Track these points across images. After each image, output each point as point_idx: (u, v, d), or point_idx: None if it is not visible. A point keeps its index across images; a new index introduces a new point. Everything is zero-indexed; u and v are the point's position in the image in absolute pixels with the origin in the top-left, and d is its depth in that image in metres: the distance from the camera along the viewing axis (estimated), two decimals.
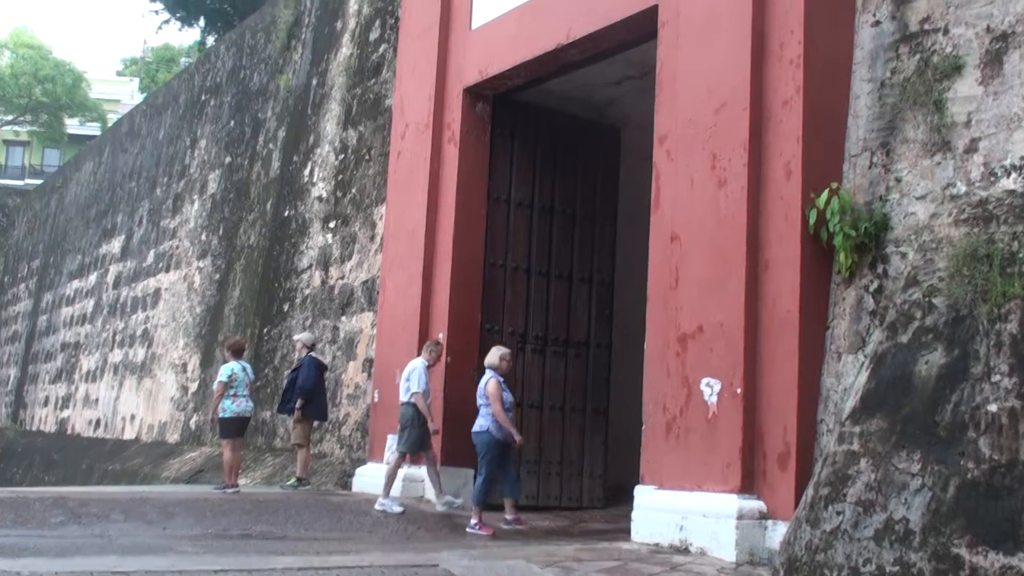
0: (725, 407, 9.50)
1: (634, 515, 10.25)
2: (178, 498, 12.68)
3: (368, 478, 14.38)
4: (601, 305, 15.07)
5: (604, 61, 13.28)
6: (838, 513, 7.79)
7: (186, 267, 24.51)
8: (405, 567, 7.92)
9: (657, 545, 9.69)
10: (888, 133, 9.29)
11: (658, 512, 9.85)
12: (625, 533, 12.28)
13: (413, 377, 12.78)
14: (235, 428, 14.25)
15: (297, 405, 14.64)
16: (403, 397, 12.88)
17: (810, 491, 8.16)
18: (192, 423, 22.11)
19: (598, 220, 15.19)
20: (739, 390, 9.40)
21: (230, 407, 14.11)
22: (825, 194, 9.19)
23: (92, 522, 10.63)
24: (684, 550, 9.40)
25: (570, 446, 14.61)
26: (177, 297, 24.55)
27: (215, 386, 14.30)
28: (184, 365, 23.22)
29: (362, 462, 15.29)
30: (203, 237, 24.00)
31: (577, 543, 10.18)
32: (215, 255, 23.16)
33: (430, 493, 13.46)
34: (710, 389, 9.65)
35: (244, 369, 14.46)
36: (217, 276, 22.79)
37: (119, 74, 67.73)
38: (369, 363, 16.18)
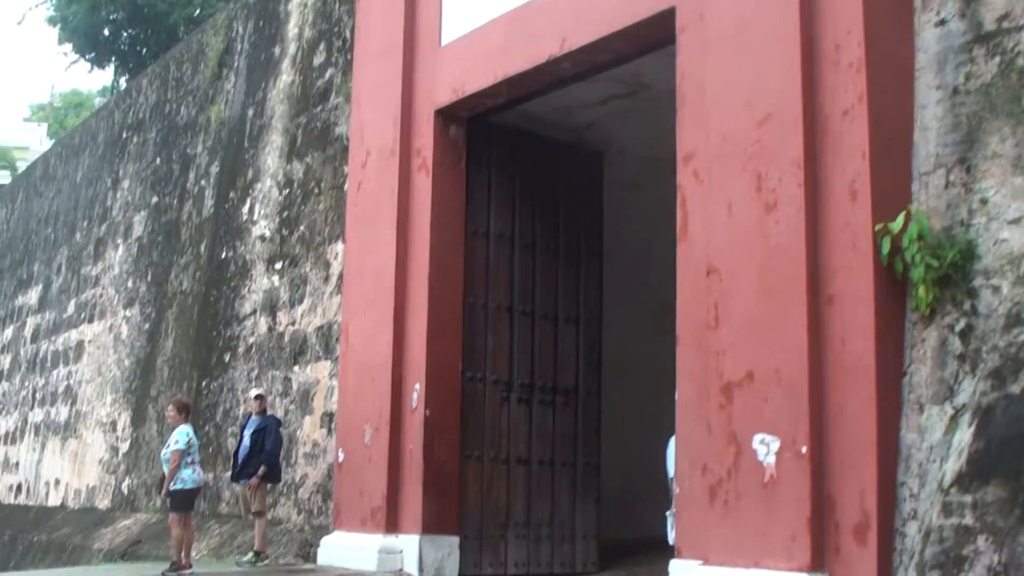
0: (786, 469, 8.09)
1: None
2: None
3: (335, 549, 12.78)
4: (589, 348, 13.67)
5: (589, 80, 11.95)
6: None
7: (111, 317, 22.60)
8: None
9: None
10: (967, 147, 7.99)
11: None
12: None
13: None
14: (191, 500, 12.57)
15: (260, 472, 12.98)
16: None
17: (912, 573, 6.80)
18: (124, 487, 20.20)
19: (583, 254, 13.81)
20: (804, 448, 8.00)
21: (191, 477, 12.40)
22: (901, 219, 7.88)
23: None
24: None
25: (560, 505, 13.17)
26: (102, 350, 22.62)
27: (168, 453, 12.44)
28: (113, 423, 21.30)
29: (325, 529, 13.67)
30: (129, 284, 22.14)
31: None
32: (144, 303, 21.33)
33: (410, 566, 11.92)
34: (766, 448, 8.25)
35: (194, 432, 12.84)
36: (147, 326, 20.95)
37: (26, 120, 65.45)
38: (329, 417, 14.58)
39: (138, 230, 22.35)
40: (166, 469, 12.40)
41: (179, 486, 12.28)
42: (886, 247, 7.92)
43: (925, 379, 7.90)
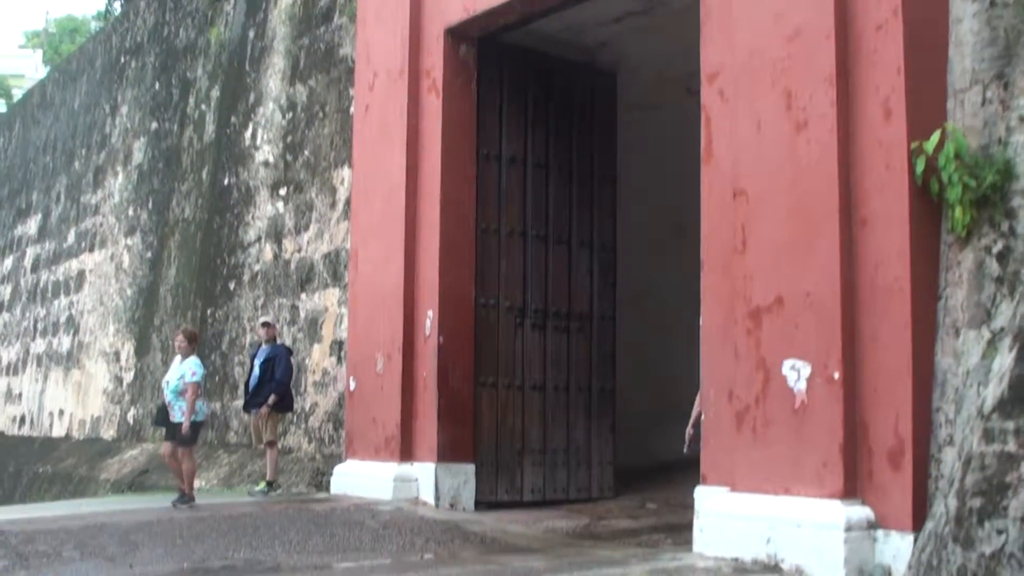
0: (818, 395, 7.89)
1: (700, 522, 8.62)
2: (138, 521, 10.79)
3: (348, 478, 12.67)
4: (604, 272, 13.42)
5: None
6: (999, 532, 6.24)
7: (113, 246, 22.33)
8: None
9: (737, 561, 8.08)
10: (1004, 63, 7.67)
11: (734, 520, 8.23)
12: (664, 534, 10.77)
13: None
14: (199, 432, 12.42)
15: (270, 401, 12.81)
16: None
17: (952, 501, 6.61)
18: (130, 417, 20.08)
19: (596, 177, 13.50)
20: (836, 374, 7.79)
21: (201, 409, 12.22)
22: (936, 137, 7.59)
23: (42, 565, 8.74)
24: (774, 568, 7.81)
25: (576, 431, 12.99)
26: (104, 279, 22.38)
27: (180, 384, 12.10)
28: (116, 353, 21.13)
29: (337, 458, 13.54)
30: (130, 212, 21.85)
31: (635, 561, 8.53)
32: (145, 231, 21.05)
33: (425, 494, 11.79)
34: (796, 373, 8.04)
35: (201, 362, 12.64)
36: (149, 254, 20.70)
37: (21, 47, 64.61)
38: (338, 346, 14.39)
39: (138, 157, 22.01)
40: (171, 399, 12.11)
41: (194, 419, 12.09)
42: (921, 167, 7.64)
43: (961, 303, 7.66)
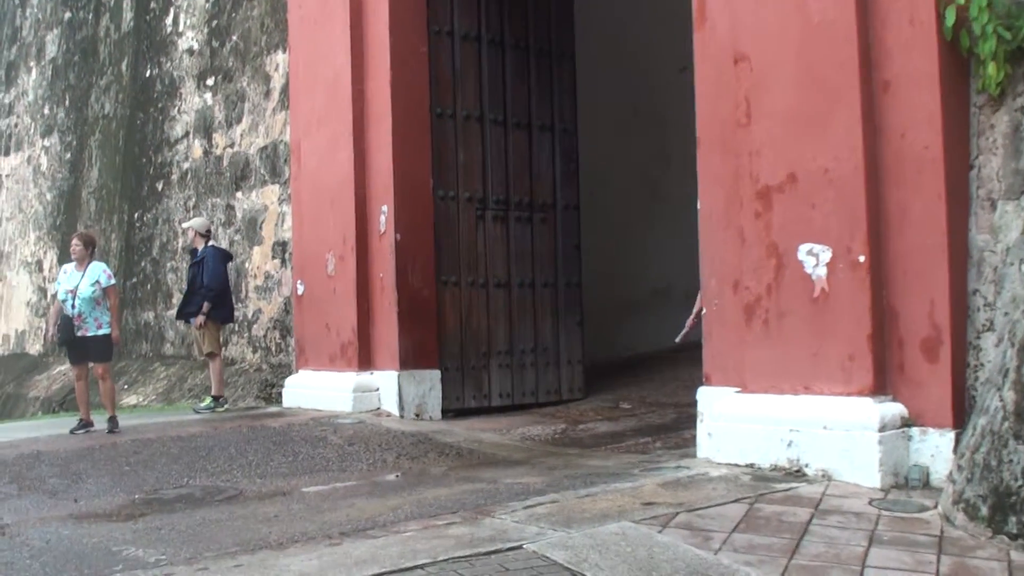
0: (840, 281, 7.05)
1: (707, 426, 7.82)
2: (78, 448, 9.76)
3: (302, 390, 11.79)
4: (566, 158, 12.46)
5: None
6: None
7: (29, 148, 20.89)
8: (475, 556, 5.37)
9: (754, 467, 7.31)
10: None
11: (747, 423, 7.44)
12: (650, 437, 10.04)
13: None
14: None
15: (203, 309, 11.76)
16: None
17: (1009, 393, 5.85)
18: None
19: (554, 55, 12.47)
20: (861, 257, 6.96)
21: (106, 320, 10.87)
22: None
23: None
24: (798, 473, 7.05)
25: (543, 330, 12.15)
26: (22, 184, 20.97)
27: (97, 291, 10.68)
28: (39, 263, 19.86)
29: (286, 368, 12.64)
30: (46, 111, 20.39)
31: (638, 472, 7.72)
32: (63, 131, 19.65)
33: (388, 404, 10.93)
34: (815, 259, 7.19)
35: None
36: (68, 155, 19.34)
37: None
38: (281, 247, 13.37)
39: (51, 50, 20.48)
40: (82, 310, 10.62)
41: (106, 331, 10.78)
42: (951, 18, 6.76)
43: (996, 171, 6.85)
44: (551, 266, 12.23)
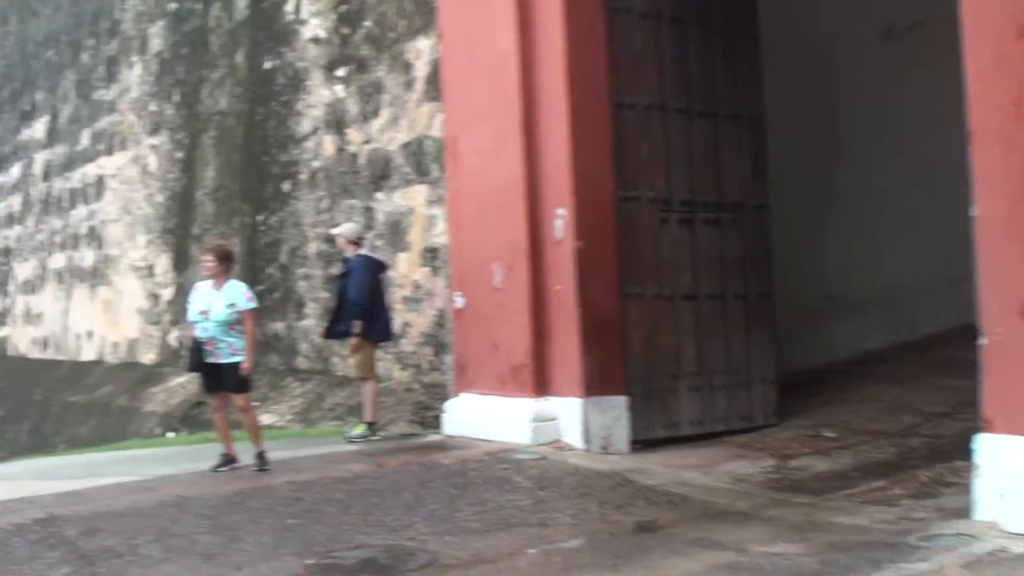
0: None
1: (994, 485, 6.30)
2: (227, 493, 8.50)
3: (466, 416, 10.51)
4: (754, 151, 10.99)
5: None
6: None
7: (135, 146, 19.79)
8: None
9: None
10: None
11: None
12: (884, 480, 8.57)
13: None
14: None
15: (355, 329, 10.48)
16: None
17: None
18: (172, 339, 17.80)
19: (738, 33, 11.02)
20: None
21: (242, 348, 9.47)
22: None
23: (116, 571, 6.52)
24: None
25: (735, 347, 10.71)
26: (128, 185, 19.88)
27: (233, 314, 9.35)
28: (150, 268, 18.77)
29: (440, 389, 11.37)
30: (153, 107, 19.28)
31: (913, 538, 6.30)
32: (173, 128, 18.53)
33: (569, 435, 9.59)
34: None
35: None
36: (180, 154, 18.20)
37: None
38: (431, 254, 12.08)
39: (156, 44, 19.36)
40: (215, 335, 9.31)
41: (241, 358, 9.41)
42: None
43: None
44: (740, 274, 10.79)
